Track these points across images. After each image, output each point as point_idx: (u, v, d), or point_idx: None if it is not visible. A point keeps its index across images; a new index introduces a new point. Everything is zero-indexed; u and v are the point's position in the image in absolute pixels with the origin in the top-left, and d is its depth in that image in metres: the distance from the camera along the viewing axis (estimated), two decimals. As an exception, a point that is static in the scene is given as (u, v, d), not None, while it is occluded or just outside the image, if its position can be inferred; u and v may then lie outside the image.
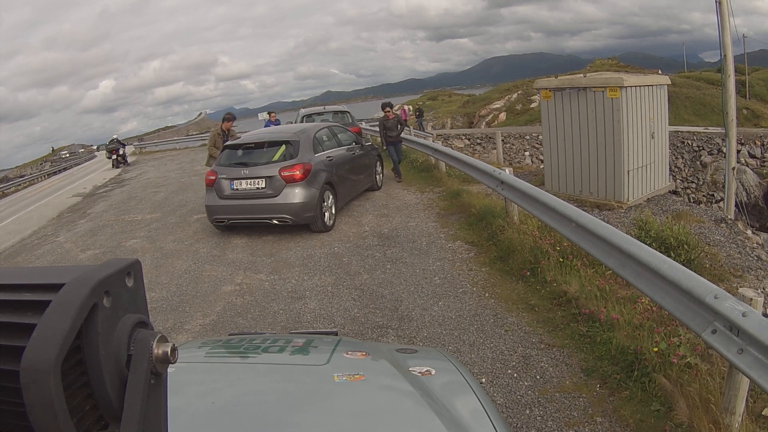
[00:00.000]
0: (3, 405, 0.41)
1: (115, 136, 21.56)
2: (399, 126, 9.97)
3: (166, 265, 6.38)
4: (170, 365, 0.49)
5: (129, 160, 21.80)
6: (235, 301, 5.04)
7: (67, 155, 42.97)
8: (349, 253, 6.08)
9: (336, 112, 13.94)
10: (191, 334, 4.43)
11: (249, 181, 6.76)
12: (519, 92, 36.07)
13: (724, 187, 12.12)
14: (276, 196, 6.63)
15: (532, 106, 31.33)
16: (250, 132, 8.78)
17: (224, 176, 6.87)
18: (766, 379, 2.21)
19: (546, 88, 8.96)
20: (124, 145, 21.73)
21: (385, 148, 10.20)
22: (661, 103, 8.61)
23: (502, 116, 33.93)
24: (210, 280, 5.70)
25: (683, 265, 3.00)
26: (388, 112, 9.92)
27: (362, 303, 4.67)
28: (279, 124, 13.04)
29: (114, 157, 20.04)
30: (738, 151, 15.68)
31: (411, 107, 36.33)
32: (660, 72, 24.29)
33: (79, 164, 31.18)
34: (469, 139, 26.69)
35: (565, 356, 3.49)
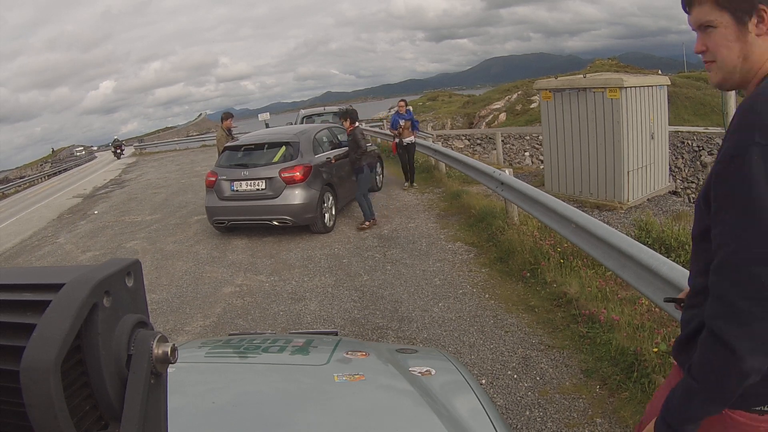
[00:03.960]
0: (3, 405, 0.41)
1: (116, 137, 30.86)
2: (357, 148, 6.95)
3: (167, 266, 6.38)
4: (170, 365, 0.49)
5: (128, 160, 26.04)
6: (236, 303, 5.04)
7: (83, 152, 42.68)
8: (349, 254, 6.08)
9: (336, 113, 13.94)
10: (191, 335, 4.43)
11: (249, 182, 6.77)
12: (519, 93, 36.01)
13: (724, 187, 12.07)
14: (276, 198, 6.64)
15: (532, 106, 31.28)
16: (251, 133, 8.80)
17: (224, 177, 6.88)
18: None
19: (546, 89, 8.96)
20: (122, 143, 30.22)
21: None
22: (661, 103, 8.61)
23: (502, 117, 33.87)
24: (210, 281, 5.70)
25: (683, 266, 2.99)
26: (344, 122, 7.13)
27: (362, 304, 4.67)
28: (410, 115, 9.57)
29: (118, 151, 28.47)
30: (738, 152, 15.63)
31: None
32: (660, 72, 24.28)
33: (79, 165, 31.28)
34: (469, 140, 26.65)
35: (565, 357, 3.49)
